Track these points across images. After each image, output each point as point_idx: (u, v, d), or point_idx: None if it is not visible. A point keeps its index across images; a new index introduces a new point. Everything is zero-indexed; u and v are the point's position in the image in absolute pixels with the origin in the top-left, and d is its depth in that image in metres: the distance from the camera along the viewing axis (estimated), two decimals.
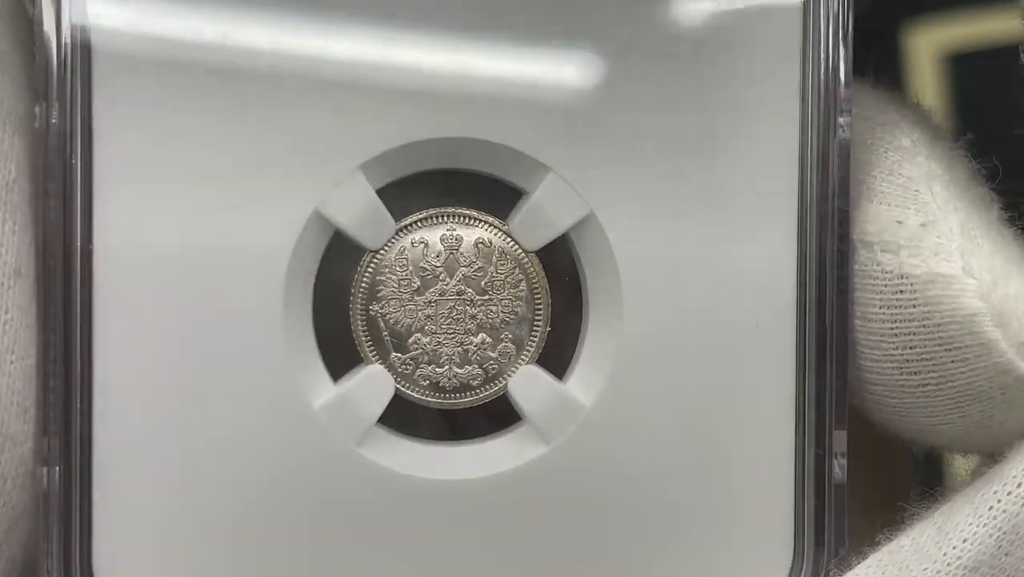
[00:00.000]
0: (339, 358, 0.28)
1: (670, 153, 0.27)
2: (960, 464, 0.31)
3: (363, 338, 0.28)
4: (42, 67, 0.26)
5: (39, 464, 0.26)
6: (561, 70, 0.28)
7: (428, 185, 0.28)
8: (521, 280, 0.28)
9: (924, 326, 0.26)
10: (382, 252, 0.28)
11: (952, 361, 0.26)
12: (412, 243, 0.28)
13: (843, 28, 0.27)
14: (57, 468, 0.26)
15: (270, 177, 0.27)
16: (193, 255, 0.26)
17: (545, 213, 0.28)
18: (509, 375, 0.28)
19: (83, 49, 0.26)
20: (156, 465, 0.27)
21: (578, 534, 0.28)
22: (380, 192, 0.28)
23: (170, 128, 0.26)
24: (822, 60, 0.27)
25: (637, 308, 0.28)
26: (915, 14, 0.49)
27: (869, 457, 0.29)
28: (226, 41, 0.27)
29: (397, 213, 0.28)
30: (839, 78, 0.27)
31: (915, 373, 0.27)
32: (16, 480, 0.26)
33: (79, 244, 0.26)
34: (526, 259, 0.28)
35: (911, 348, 0.27)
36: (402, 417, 0.28)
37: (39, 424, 0.26)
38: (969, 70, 0.49)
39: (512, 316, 0.28)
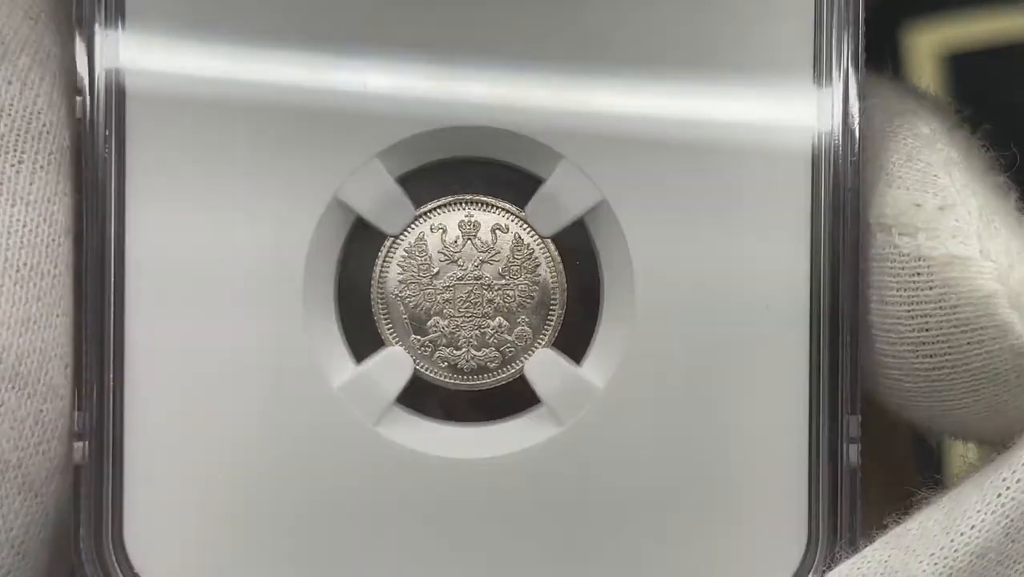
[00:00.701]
0: (364, 341, 0.28)
1: (683, 141, 0.27)
2: (957, 451, 0.30)
3: (383, 321, 0.28)
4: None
5: (73, 438, 0.27)
6: (574, 59, 0.27)
7: (450, 172, 0.28)
8: (538, 265, 0.28)
9: (940, 308, 0.26)
10: (402, 237, 0.28)
11: (967, 343, 0.26)
12: (431, 228, 0.28)
13: (855, 13, 0.27)
14: (87, 442, 0.27)
15: (291, 165, 0.27)
16: (219, 241, 0.27)
17: (558, 199, 0.28)
18: (526, 358, 0.28)
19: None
20: (183, 441, 0.27)
21: (590, 515, 0.27)
22: (403, 180, 0.28)
23: (197, 122, 0.27)
24: (835, 46, 0.27)
25: (649, 292, 0.27)
26: (915, 14, 0.50)
27: (873, 444, 0.28)
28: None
29: (419, 200, 0.28)
30: (853, 63, 0.27)
31: (930, 356, 0.26)
32: (55, 432, 0.26)
33: (113, 232, 0.27)
34: (542, 244, 0.28)
35: (927, 330, 0.26)
36: (427, 399, 0.28)
37: (74, 388, 0.27)
38: (969, 70, 0.49)
39: (529, 300, 0.28)
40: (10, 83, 0.26)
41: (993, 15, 0.48)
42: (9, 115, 0.26)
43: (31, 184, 0.26)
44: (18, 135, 0.26)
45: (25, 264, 0.26)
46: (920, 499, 0.27)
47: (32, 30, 0.27)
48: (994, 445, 0.27)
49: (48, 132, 0.26)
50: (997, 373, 0.26)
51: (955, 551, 0.25)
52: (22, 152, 0.26)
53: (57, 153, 0.27)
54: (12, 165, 0.26)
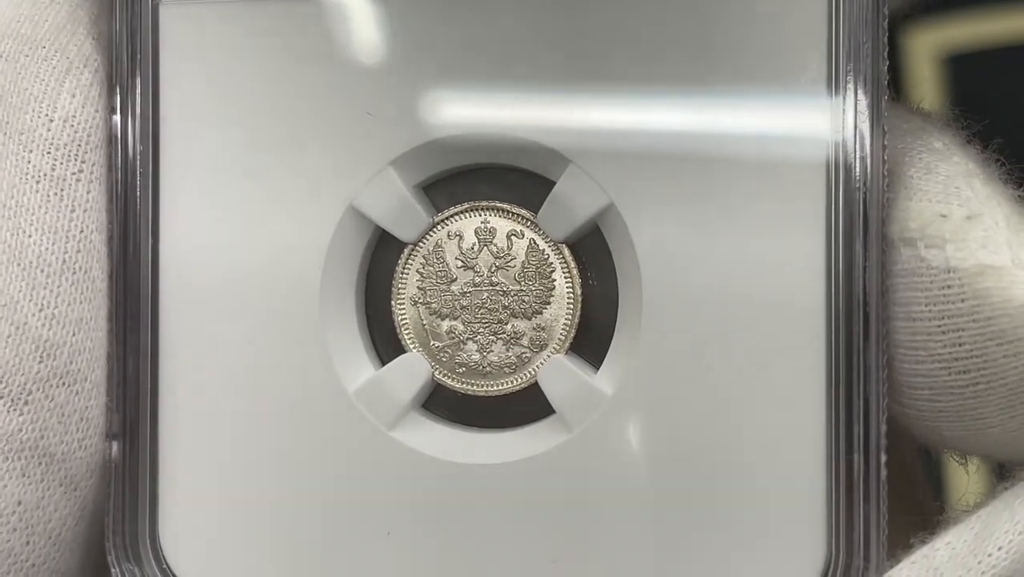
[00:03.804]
0: (387, 347, 0.28)
1: (693, 144, 0.26)
2: (961, 473, 0.28)
3: (403, 327, 0.28)
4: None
5: (108, 437, 0.27)
6: (581, 61, 0.26)
7: (468, 178, 0.28)
8: (552, 270, 0.27)
9: (974, 321, 0.24)
10: (421, 244, 0.27)
11: (1004, 356, 0.24)
12: (448, 235, 0.27)
13: (871, 14, 0.25)
14: (117, 442, 0.27)
15: (310, 175, 0.27)
16: (242, 249, 0.27)
17: (566, 203, 0.27)
18: (540, 364, 0.27)
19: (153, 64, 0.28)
20: (213, 441, 0.27)
21: (598, 523, 0.26)
22: (424, 186, 0.28)
23: (224, 137, 0.28)
24: (851, 40, 0.25)
25: (658, 298, 0.26)
26: (915, 14, 0.50)
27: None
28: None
29: (439, 206, 0.28)
30: (871, 64, 0.25)
31: (964, 372, 0.24)
32: (98, 428, 0.27)
33: (151, 243, 0.28)
34: (556, 249, 0.27)
35: (960, 345, 0.24)
36: (446, 404, 0.28)
37: (109, 388, 0.28)
38: (968, 70, 0.50)
39: (544, 306, 0.27)
40: (74, 96, 0.27)
41: (992, 16, 0.48)
42: (72, 126, 0.27)
43: (88, 193, 0.27)
44: (79, 145, 0.27)
45: (80, 268, 0.27)
46: (943, 518, 0.25)
47: (93, 48, 0.27)
48: None
49: (102, 145, 0.27)
50: None
51: (983, 574, 0.23)
52: (82, 162, 0.27)
53: (107, 165, 0.28)
54: (73, 173, 0.27)
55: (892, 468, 0.26)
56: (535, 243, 0.27)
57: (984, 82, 0.49)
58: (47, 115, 0.27)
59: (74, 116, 0.27)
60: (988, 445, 0.25)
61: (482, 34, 0.27)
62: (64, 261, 0.27)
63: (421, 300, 0.27)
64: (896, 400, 0.25)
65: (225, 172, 0.27)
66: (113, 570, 0.27)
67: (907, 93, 0.47)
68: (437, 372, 0.28)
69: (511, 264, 0.27)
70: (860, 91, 0.25)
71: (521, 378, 0.27)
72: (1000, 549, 0.23)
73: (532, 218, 0.27)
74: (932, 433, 0.26)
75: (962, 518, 0.24)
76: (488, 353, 0.27)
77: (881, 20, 0.25)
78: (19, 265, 0.26)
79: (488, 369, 0.27)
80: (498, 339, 0.27)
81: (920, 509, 0.26)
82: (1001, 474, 0.26)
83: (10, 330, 0.26)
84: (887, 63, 0.25)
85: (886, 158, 0.25)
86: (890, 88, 0.26)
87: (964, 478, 0.27)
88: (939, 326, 0.24)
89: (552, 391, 0.27)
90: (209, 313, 0.27)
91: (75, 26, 0.28)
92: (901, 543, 0.25)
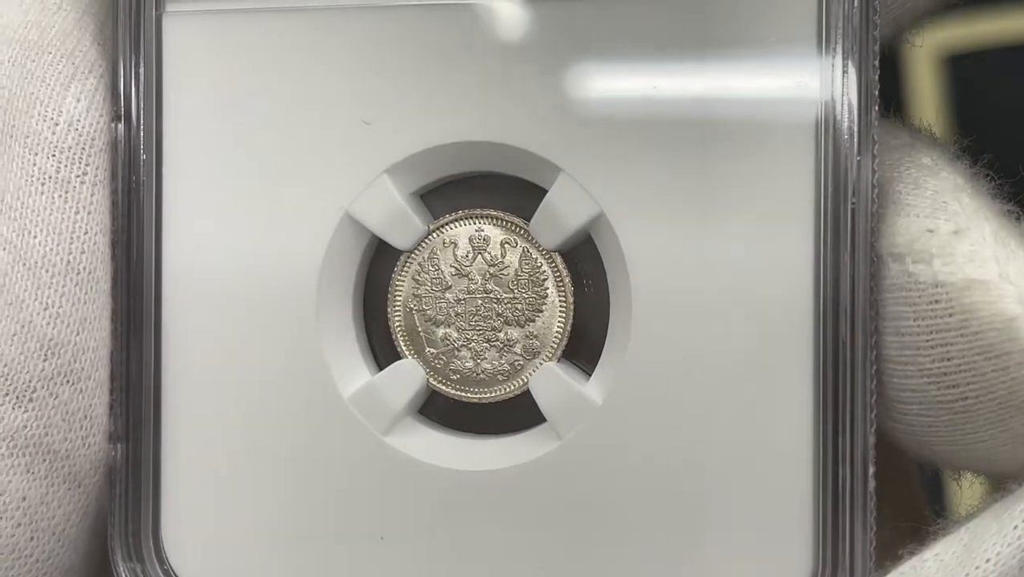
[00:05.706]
0: (384, 353, 0.28)
1: (683, 156, 0.26)
2: (965, 484, 0.28)
3: (399, 334, 0.28)
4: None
5: (111, 440, 0.27)
6: (573, 72, 0.26)
7: (463, 186, 0.28)
8: (545, 278, 0.27)
9: (962, 335, 0.24)
10: (416, 252, 0.28)
11: (993, 370, 0.24)
12: (443, 243, 0.27)
13: (860, 24, 0.25)
14: (121, 444, 0.28)
15: (307, 182, 0.27)
16: (242, 254, 0.27)
17: (557, 213, 0.27)
18: (533, 371, 0.27)
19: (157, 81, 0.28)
20: (215, 445, 0.28)
21: (586, 531, 0.26)
22: (424, 196, 0.28)
23: (225, 144, 0.28)
24: (840, 60, 0.25)
25: (648, 308, 0.26)
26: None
27: (878, 470, 0.26)
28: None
29: (435, 213, 0.28)
30: (859, 79, 0.25)
31: (954, 386, 0.24)
32: (101, 427, 0.27)
33: (154, 248, 0.28)
34: (549, 258, 0.27)
35: (948, 360, 0.24)
36: (442, 411, 0.28)
37: (113, 390, 0.28)
38: (968, 70, 0.49)
39: (537, 314, 0.27)
40: (79, 100, 0.27)
41: (992, 16, 0.48)
42: (77, 130, 0.27)
43: (92, 195, 0.27)
44: (83, 148, 0.27)
45: (85, 268, 0.27)
46: (935, 529, 0.25)
47: (99, 54, 0.28)
48: (1016, 478, 0.25)
49: (107, 149, 0.27)
50: None
51: None
52: (86, 164, 0.27)
53: (111, 168, 0.28)
54: (78, 176, 0.27)
55: (888, 477, 0.26)
56: (528, 252, 0.27)
57: (984, 82, 0.48)
58: (52, 119, 0.27)
59: (79, 120, 0.27)
60: (978, 459, 0.25)
61: (475, 41, 0.27)
62: (68, 262, 0.27)
63: (416, 307, 0.28)
64: (886, 415, 0.25)
65: (225, 178, 0.28)
66: (116, 570, 0.28)
67: (907, 93, 0.47)
68: (432, 379, 0.28)
69: (504, 272, 0.27)
70: (852, 93, 0.25)
71: (514, 385, 0.27)
72: (988, 561, 0.23)
73: (525, 226, 0.27)
74: (922, 448, 0.25)
75: (952, 529, 0.24)
76: (482, 360, 0.27)
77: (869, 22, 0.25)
78: (24, 265, 0.26)
79: (482, 376, 0.27)
80: (491, 346, 0.27)
81: (915, 517, 0.26)
82: (999, 485, 0.26)
83: (15, 328, 0.26)
84: (878, 41, 0.25)
85: (875, 168, 0.25)
86: (890, 96, 0.26)
87: (959, 490, 0.27)
88: (927, 341, 0.24)
89: (543, 399, 0.27)
90: (209, 317, 0.28)
91: (81, 32, 0.28)
92: (892, 554, 0.25)
